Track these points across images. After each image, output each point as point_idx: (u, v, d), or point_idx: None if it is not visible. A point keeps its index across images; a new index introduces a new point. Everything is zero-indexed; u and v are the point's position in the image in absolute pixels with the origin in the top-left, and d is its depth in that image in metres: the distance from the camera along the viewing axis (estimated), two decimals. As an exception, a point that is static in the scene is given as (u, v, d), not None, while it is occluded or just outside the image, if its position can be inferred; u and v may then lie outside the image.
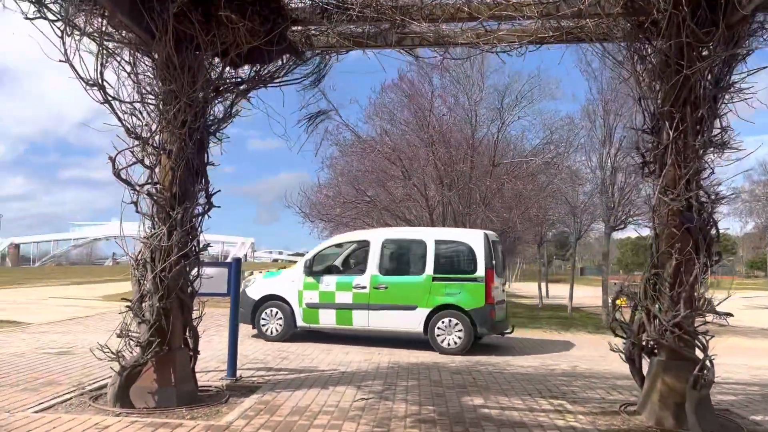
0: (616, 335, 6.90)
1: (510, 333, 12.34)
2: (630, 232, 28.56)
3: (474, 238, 10.93)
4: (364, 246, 11.53)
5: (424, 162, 15.27)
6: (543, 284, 34.99)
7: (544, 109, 18.36)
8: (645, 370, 6.35)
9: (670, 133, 6.06)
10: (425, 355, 10.47)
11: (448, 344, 10.71)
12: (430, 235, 11.33)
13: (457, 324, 10.68)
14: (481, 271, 10.61)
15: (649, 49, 6.40)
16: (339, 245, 12.29)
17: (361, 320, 11.11)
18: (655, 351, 6.17)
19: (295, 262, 53.47)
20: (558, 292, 51.06)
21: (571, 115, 19.42)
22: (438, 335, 10.76)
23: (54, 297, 21.01)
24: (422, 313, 10.70)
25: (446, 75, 15.43)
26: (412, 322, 10.87)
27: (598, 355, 11.83)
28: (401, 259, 11.68)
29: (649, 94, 6.55)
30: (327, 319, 11.38)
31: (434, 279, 10.81)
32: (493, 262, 10.90)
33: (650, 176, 6.92)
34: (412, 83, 15.13)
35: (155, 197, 6.29)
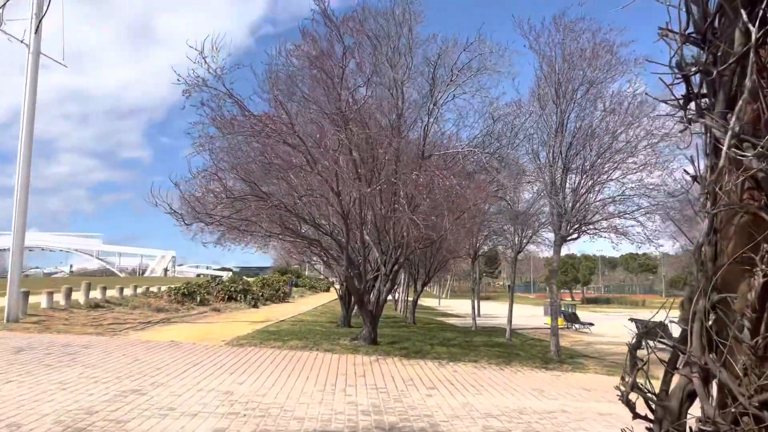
0: (636, 415, 3.49)
1: None
2: (549, 250, 26.11)
3: None
4: None
5: (334, 146, 11.75)
6: (476, 302, 32.07)
7: (486, 86, 14.89)
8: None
9: (752, 33, 2.83)
10: (311, 418, 6.96)
11: None
12: None
13: None
14: None
15: None
16: None
17: None
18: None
19: (221, 276, 48.78)
20: (489, 310, 49.06)
21: (517, 100, 16.26)
22: None
23: None
24: None
25: (362, 36, 11.99)
26: None
27: (559, 406, 8.66)
28: None
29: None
30: None
31: None
32: None
33: (703, 116, 3.63)
34: (316, 42, 11.53)
35: None
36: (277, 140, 11.76)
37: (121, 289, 28.72)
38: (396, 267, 15.31)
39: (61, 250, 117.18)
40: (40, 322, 17.15)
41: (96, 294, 25.47)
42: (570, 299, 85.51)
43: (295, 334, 16.68)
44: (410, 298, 31.79)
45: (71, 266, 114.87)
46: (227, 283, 36.43)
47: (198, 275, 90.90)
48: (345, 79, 11.57)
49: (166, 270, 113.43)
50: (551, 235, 15.54)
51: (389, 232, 14.20)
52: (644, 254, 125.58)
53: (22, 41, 17.42)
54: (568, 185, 14.31)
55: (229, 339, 15.37)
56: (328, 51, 11.40)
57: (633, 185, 14.15)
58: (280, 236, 15.12)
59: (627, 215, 14.39)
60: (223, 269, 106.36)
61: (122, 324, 18.76)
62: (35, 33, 18.21)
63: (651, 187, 13.88)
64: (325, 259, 19.33)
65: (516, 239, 19.14)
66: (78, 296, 23.50)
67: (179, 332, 17.11)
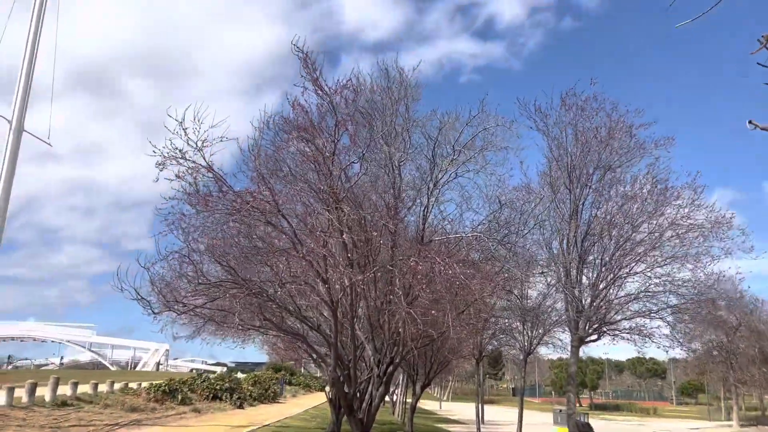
0: None
1: None
2: (559, 352, 23.52)
3: None
4: None
5: (323, 227, 10.49)
6: (479, 407, 29.53)
7: (492, 162, 13.62)
8: None
9: None
10: None
11: None
12: None
13: None
14: None
15: None
16: None
17: None
18: None
19: (210, 372, 46.87)
20: (493, 415, 45.82)
21: (526, 184, 15.00)
22: None
23: None
24: None
25: (355, 110, 11.03)
26: None
27: None
28: None
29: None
30: None
31: None
32: None
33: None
34: (306, 113, 10.54)
35: None
36: (259, 219, 10.49)
37: (95, 385, 26.37)
38: (391, 368, 13.52)
39: (53, 341, 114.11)
40: (-9, 423, 15.20)
41: (66, 389, 23.31)
42: (578, 405, 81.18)
43: (275, 445, 14.58)
44: (409, 400, 29.34)
45: (62, 358, 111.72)
46: (213, 381, 33.99)
47: (191, 370, 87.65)
48: (337, 154, 10.49)
49: (158, 364, 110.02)
50: (564, 336, 13.83)
51: (384, 326, 12.58)
52: (651, 358, 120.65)
53: (2, 116, 16.88)
54: (585, 279, 12.83)
55: (196, 449, 13.34)
56: (319, 124, 10.40)
57: (659, 280, 12.67)
58: (260, 329, 13.46)
59: (654, 314, 12.78)
60: (218, 364, 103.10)
61: (84, 427, 16.73)
62: (19, 111, 17.76)
63: (679, 283, 12.41)
64: (314, 357, 17.52)
65: (525, 339, 17.34)
66: (44, 392, 21.41)
67: (144, 438, 15.06)
